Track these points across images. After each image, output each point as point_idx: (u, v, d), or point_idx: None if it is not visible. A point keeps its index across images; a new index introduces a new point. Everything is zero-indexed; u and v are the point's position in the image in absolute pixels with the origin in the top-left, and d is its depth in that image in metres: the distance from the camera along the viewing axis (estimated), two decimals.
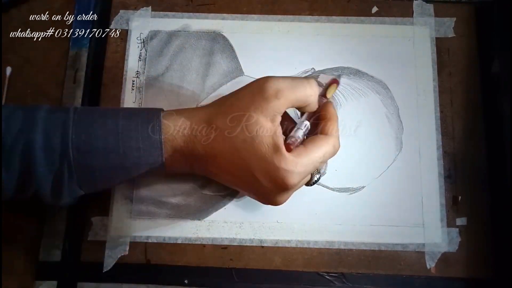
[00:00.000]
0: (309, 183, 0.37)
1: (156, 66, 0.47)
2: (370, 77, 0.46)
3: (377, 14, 0.48)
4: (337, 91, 0.45)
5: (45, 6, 0.49)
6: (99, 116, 0.35)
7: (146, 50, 0.47)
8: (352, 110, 0.45)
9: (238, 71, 0.46)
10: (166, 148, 0.35)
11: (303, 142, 0.35)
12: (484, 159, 0.44)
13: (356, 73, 0.46)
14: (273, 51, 0.47)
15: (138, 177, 0.39)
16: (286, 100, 0.33)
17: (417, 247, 0.42)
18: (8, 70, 0.47)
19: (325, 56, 0.47)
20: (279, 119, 0.34)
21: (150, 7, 0.48)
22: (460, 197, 0.43)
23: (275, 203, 0.36)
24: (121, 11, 0.48)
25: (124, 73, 0.46)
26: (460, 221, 0.43)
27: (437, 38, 0.47)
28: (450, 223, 0.42)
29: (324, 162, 0.36)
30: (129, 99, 0.46)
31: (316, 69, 0.46)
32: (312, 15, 0.48)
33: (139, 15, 0.48)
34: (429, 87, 0.46)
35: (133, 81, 0.46)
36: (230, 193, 0.43)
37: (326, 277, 0.41)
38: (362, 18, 0.48)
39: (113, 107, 0.44)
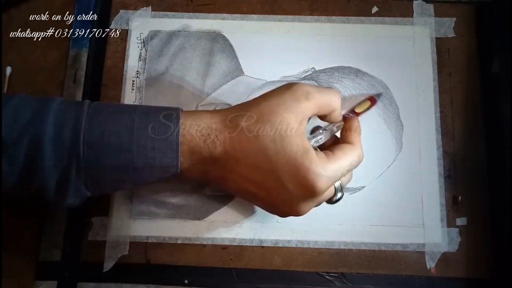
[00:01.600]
0: (331, 200, 0.36)
1: (156, 66, 0.47)
2: (370, 77, 0.46)
3: (377, 14, 0.48)
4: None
5: (45, 6, 0.49)
6: (115, 112, 0.33)
7: (146, 50, 0.47)
8: None
9: (238, 71, 0.46)
10: (182, 149, 0.33)
11: (331, 150, 0.34)
12: (484, 159, 0.44)
13: (356, 73, 0.46)
14: (273, 51, 0.47)
15: (148, 182, 0.35)
16: (314, 103, 0.33)
17: (417, 247, 0.42)
18: (8, 70, 0.47)
19: (325, 56, 0.47)
20: (305, 123, 0.33)
21: (150, 7, 0.48)
22: (460, 197, 0.43)
23: (297, 211, 0.33)
24: (121, 11, 0.48)
25: (124, 73, 0.46)
26: (460, 221, 0.43)
27: (437, 38, 0.47)
28: (450, 223, 0.42)
29: (350, 171, 0.35)
30: (129, 99, 0.46)
31: (316, 69, 0.46)
32: (312, 15, 0.48)
33: (139, 15, 0.48)
34: (429, 87, 0.46)
35: (133, 81, 0.46)
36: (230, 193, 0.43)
37: (326, 277, 0.41)
38: (362, 18, 0.48)
39: (130, 104, 0.42)
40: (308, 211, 0.34)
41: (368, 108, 0.38)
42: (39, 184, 0.32)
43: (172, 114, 0.33)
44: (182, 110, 0.35)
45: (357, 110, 0.38)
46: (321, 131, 0.36)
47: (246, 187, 0.33)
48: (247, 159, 0.32)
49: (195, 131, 0.33)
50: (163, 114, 0.33)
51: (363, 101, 0.39)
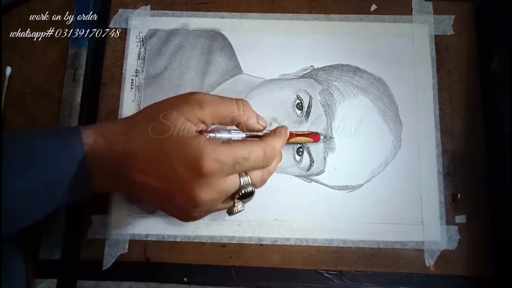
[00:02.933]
0: (239, 193, 0.34)
1: (155, 65, 0.47)
2: (369, 75, 0.46)
3: (376, 12, 0.48)
4: (336, 89, 0.45)
5: (45, 6, 0.49)
6: (11, 140, 0.33)
7: (145, 49, 0.47)
8: (350, 108, 0.45)
9: (237, 69, 0.47)
10: (89, 160, 0.33)
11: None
12: (483, 156, 0.44)
13: (355, 71, 0.46)
14: (272, 49, 0.47)
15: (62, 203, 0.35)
16: (209, 112, 0.34)
17: (416, 245, 0.42)
18: (8, 70, 0.47)
19: (324, 54, 0.47)
20: (201, 126, 0.34)
21: (149, 5, 0.48)
22: (459, 194, 0.43)
23: (194, 200, 0.32)
24: (120, 10, 0.48)
25: (123, 71, 0.46)
26: (459, 218, 0.42)
27: (436, 36, 0.47)
28: (449, 221, 0.42)
29: (250, 162, 0.33)
30: (128, 98, 0.46)
31: (315, 67, 0.46)
32: (311, 13, 0.48)
33: (138, 14, 0.48)
34: (428, 85, 0.46)
35: (132, 79, 0.46)
36: None
37: (325, 275, 0.41)
38: (361, 16, 0.48)
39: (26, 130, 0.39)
40: (208, 201, 0.32)
41: (305, 139, 0.41)
42: None
43: (75, 140, 0.34)
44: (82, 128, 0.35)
45: (295, 132, 0.40)
46: (231, 132, 0.36)
47: (147, 181, 0.33)
48: (144, 154, 0.33)
49: (97, 138, 0.34)
50: (63, 138, 0.34)
51: (308, 133, 0.41)
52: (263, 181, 0.36)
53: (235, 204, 0.35)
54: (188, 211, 0.33)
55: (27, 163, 0.32)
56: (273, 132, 0.38)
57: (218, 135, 0.35)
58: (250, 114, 0.36)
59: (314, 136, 0.42)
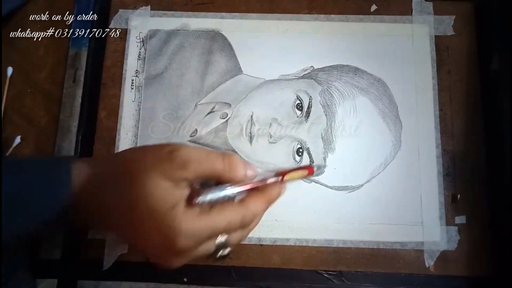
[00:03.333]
0: (215, 256, 0.32)
1: (155, 65, 0.47)
2: (369, 75, 0.46)
3: (376, 12, 0.48)
4: (336, 90, 0.45)
5: (45, 6, 0.49)
6: None
7: (145, 49, 0.47)
8: (350, 109, 0.45)
9: (237, 69, 0.47)
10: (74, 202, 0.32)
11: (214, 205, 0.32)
12: (483, 157, 0.44)
13: (355, 71, 0.46)
14: (271, 49, 0.47)
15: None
16: (193, 172, 0.31)
17: (416, 245, 0.42)
18: (10, 70, 0.47)
19: (324, 55, 0.47)
20: (184, 185, 0.31)
21: (149, 6, 0.48)
22: (459, 195, 0.43)
23: (168, 265, 0.32)
24: (120, 10, 0.48)
25: (124, 72, 0.47)
26: (459, 219, 0.42)
27: (436, 36, 0.47)
28: (449, 221, 0.42)
29: (230, 230, 0.32)
30: (128, 98, 0.46)
31: (315, 67, 0.46)
32: (311, 13, 0.48)
33: (138, 14, 0.48)
34: (428, 85, 0.46)
35: (132, 80, 0.46)
36: None
37: (325, 275, 0.41)
38: (361, 16, 0.48)
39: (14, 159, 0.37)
40: (179, 265, 0.32)
41: (300, 177, 0.36)
42: None
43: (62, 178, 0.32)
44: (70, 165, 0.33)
45: (286, 177, 0.34)
46: (210, 190, 0.32)
47: (122, 238, 0.34)
48: (119, 212, 0.31)
49: (79, 184, 0.32)
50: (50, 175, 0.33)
51: (300, 168, 0.36)
52: (240, 241, 0.34)
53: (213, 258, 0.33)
54: (161, 265, 0.32)
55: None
56: (261, 192, 0.33)
57: (208, 197, 0.31)
58: (235, 168, 0.33)
59: (310, 170, 0.37)
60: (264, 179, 0.34)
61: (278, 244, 0.42)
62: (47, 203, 0.32)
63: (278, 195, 0.34)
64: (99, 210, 0.32)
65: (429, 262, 0.42)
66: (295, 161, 0.44)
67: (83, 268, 0.42)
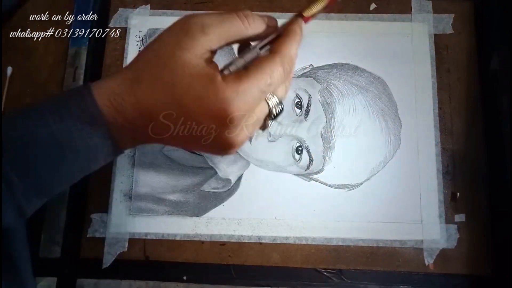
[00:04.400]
0: (271, 115, 0.32)
1: None
2: (368, 74, 0.46)
3: (375, 11, 0.48)
4: (335, 88, 0.45)
5: (45, 6, 0.49)
6: (30, 129, 0.29)
7: None
8: (350, 107, 0.45)
9: None
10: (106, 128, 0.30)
11: (248, 66, 0.30)
12: (483, 155, 0.44)
13: (354, 70, 0.46)
14: None
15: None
16: (215, 36, 0.29)
17: (415, 243, 0.42)
18: (9, 70, 0.47)
19: (323, 53, 0.47)
20: (210, 55, 0.30)
21: (149, 5, 0.48)
22: (458, 193, 0.43)
23: (228, 145, 0.30)
24: (120, 9, 0.48)
25: None
26: (459, 217, 0.42)
27: (435, 35, 0.47)
28: (448, 220, 0.42)
29: (274, 85, 0.30)
30: None
31: (315, 66, 0.46)
32: None
33: (137, 13, 0.48)
34: (427, 83, 0.46)
35: None
36: (228, 190, 0.43)
37: (324, 273, 0.41)
38: (360, 15, 0.48)
39: (38, 103, 0.32)
40: (242, 140, 0.31)
41: (322, 8, 0.32)
42: None
43: (89, 104, 0.30)
44: (90, 87, 0.30)
45: (305, 13, 0.32)
46: (239, 56, 0.31)
47: (172, 139, 0.31)
48: (158, 111, 0.30)
49: (106, 105, 0.30)
50: (76, 108, 0.30)
51: (318, 6, 0.32)
52: (287, 91, 0.33)
53: (266, 123, 0.32)
54: (225, 151, 0.31)
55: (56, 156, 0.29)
56: (285, 35, 0.31)
57: (232, 68, 0.30)
58: (255, 21, 0.31)
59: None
60: (286, 23, 0.32)
61: (277, 242, 0.42)
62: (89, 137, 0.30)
63: (301, 34, 0.32)
64: (140, 117, 0.30)
65: (429, 260, 0.41)
66: (295, 159, 0.44)
67: (83, 267, 0.42)
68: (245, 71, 0.30)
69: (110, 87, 0.30)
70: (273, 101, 0.31)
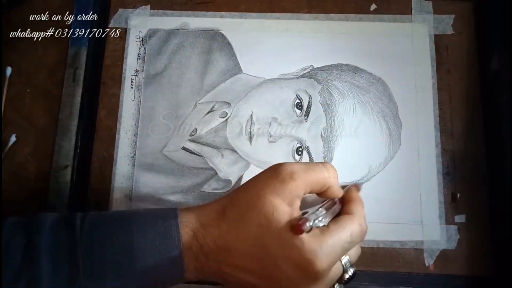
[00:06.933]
0: (343, 279, 0.32)
1: (155, 64, 0.47)
2: (368, 75, 0.46)
3: (375, 12, 0.48)
4: (336, 89, 0.45)
5: (45, 6, 0.49)
6: (111, 231, 0.31)
7: (145, 49, 0.47)
8: (350, 108, 0.45)
9: (236, 69, 0.47)
10: (183, 252, 0.31)
11: (327, 225, 0.31)
12: (483, 156, 0.44)
13: (355, 71, 0.46)
14: (271, 49, 0.47)
15: None
16: (302, 182, 0.31)
17: (415, 244, 0.42)
18: (8, 70, 0.47)
19: (323, 54, 0.47)
20: (297, 203, 0.31)
21: (149, 5, 0.48)
22: (459, 194, 0.43)
23: None
24: (120, 9, 0.48)
25: (123, 71, 0.47)
26: (459, 218, 0.42)
27: (435, 35, 0.47)
28: (448, 220, 0.42)
29: (353, 243, 0.32)
30: (128, 97, 0.46)
31: (315, 67, 0.46)
32: (311, 13, 0.48)
33: (137, 14, 0.48)
34: (428, 84, 0.46)
35: (132, 79, 0.46)
36: (229, 190, 0.43)
37: None
38: (361, 15, 0.48)
39: (124, 212, 0.35)
40: None
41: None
42: None
43: (170, 226, 0.31)
44: (176, 212, 0.32)
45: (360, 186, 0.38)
46: (318, 212, 0.32)
47: (244, 278, 0.31)
48: (239, 249, 0.30)
49: (186, 231, 0.31)
50: (161, 227, 0.31)
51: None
52: (358, 256, 0.34)
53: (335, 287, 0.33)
54: None
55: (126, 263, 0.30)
56: (352, 200, 0.34)
57: (314, 222, 0.30)
58: (335, 172, 0.34)
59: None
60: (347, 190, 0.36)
61: None
62: (160, 256, 0.30)
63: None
64: (218, 250, 0.31)
65: (429, 261, 0.41)
66: (295, 160, 0.44)
67: None
68: (326, 227, 0.31)
69: (196, 218, 0.31)
70: (346, 261, 0.32)
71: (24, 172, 0.44)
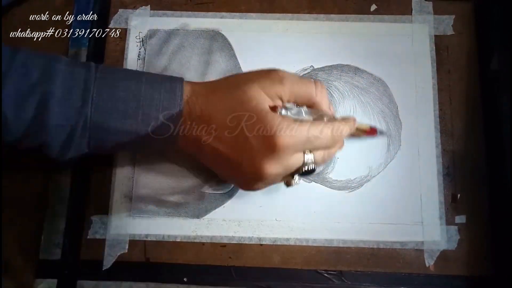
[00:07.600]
0: (301, 170, 0.35)
1: (155, 65, 0.47)
2: (369, 75, 0.46)
3: (375, 12, 0.48)
4: (336, 89, 0.45)
5: (45, 6, 0.49)
6: (122, 78, 0.35)
7: (145, 49, 0.47)
8: (350, 108, 0.45)
9: (236, 69, 0.47)
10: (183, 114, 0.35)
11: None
12: (483, 156, 0.44)
13: (355, 71, 0.46)
14: (271, 49, 0.47)
15: (146, 148, 0.40)
16: (288, 89, 0.35)
17: (416, 245, 0.42)
18: None
19: (323, 54, 0.47)
20: (278, 101, 0.35)
21: (149, 6, 0.48)
22: (459, 195, 0.43)
23: (260, 170, 0.33)
24: (120, 10, 0.48)
25: None
26: (459, 219, 0.42)
27: (436, 36, 0.47)
28: (449, 221, 0.42)
29: (320, 142, 0.34)
30: None
31: (315, 67, 0.46)
32: (311, 13, 0.48)
33: (138, 14, 0.48)
34: (428, 84, 0.46)
35: None
36: (229, 191, 0.43)
37: (325, 275, 0.41)
38: (361, 16, 0.48)
39: (135, 70, 0.44)
40: (273, 175, 0.34)
41: (361, 132, 0.41)
42: (44, 141, 0.34)
43: (176, 87, 0.36)
44: (184, 81, 0.37)
45: (356, 124, 0.40)
46: (298, 107, 0.36)
47: (217, 147, 0.35)
48: (218, 117, 0.34)
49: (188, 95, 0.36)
50: (168, 86, 0.36)
51: (368, 130, 0.42)
52: (323, 161, 0.37)
53: (294, 178, 0.36)
54: (252, 182, 0.35)
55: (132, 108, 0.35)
56: (342, 119, 0.38)
57: (290, 113, 0.35)
58: (324, 98, 0.37)
59: (373, 131, 0.42)
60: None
61: (278, 243, 0.42)
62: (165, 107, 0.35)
63: (349, 132, 0.38)
64: (201, 117, 0.35)
65: (429, 262, 0.42)
66: None
67: (83, 268, 0.42)
68: (300, 119, 0.35)
69: (195, 86, 0.37)
70: (309, 156, 0.35)
71: (24, 172, 0.44)
